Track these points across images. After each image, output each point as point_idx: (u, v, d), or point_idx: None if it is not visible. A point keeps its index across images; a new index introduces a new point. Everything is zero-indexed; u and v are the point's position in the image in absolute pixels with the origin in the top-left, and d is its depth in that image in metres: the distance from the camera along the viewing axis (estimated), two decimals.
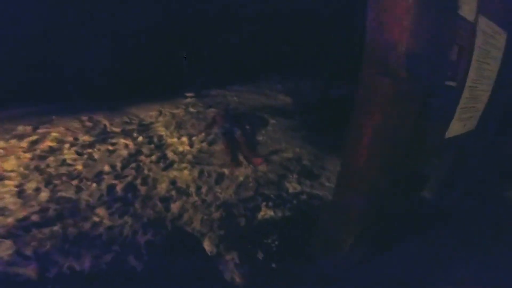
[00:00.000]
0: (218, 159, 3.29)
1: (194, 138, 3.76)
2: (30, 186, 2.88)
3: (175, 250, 2.22)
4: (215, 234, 2.29)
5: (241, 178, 2.92)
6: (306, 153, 3.49)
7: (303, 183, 2.92)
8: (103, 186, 2.85)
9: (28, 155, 3.43)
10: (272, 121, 4.46)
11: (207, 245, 2.19)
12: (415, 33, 0.89)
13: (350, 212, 1.45)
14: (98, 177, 3.00)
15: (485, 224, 2.32)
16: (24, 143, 3.71)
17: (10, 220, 2.42)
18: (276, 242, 2.24)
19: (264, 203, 2.61)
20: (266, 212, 2.53)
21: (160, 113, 4.77)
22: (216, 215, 2.48)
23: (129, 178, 2.94)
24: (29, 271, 1.92)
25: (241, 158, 3.26)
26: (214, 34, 8.60)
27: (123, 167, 3.15)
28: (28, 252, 2.11)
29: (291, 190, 2.81)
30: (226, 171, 3.03)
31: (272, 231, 2.34)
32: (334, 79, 7.15)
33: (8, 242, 2.16)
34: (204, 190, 2.76)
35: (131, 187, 2.83)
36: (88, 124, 4.32)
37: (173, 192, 2.73)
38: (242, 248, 2.18)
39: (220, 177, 2.95)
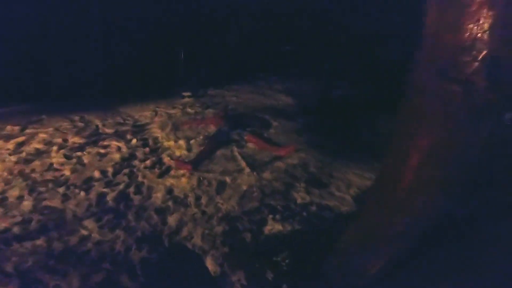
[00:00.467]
0: (219, 165, 3.07)
1: (192, 141, 3.52)
2: (12, 194, 2.66)
3: (174, 270, 2.01)
4: (218, 252, 2.08)
5: (244, 187, 2.69)
6: (312, 159, 3.28)
7: (312, 192, 2.71)
8: (93, 194, 2.61)
9: (13, 158, 3.18)
10: (275, 123, 4.24)
11: (210, 264, 1.99)
12: (498, 32, 0.69)
13: (385, 235, 1.24)
14: (87, 184, 2.76)
15: None
16: (10, 145, 3.46)
17: None
18: (287, 261, 2.03)
19: (270, 216, 2.39)
20: (273, 226, 2.31)
21: (156, 113, 4.52)
22: (219, 229, 2.26)
23: (121, 186, 2.71)
24: None
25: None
26: (212, 32, 8.40)
27: (115, 173, 2.91)
28: (9, 268, 1.93)
29: (299, 200, 2.60)
30: (227, 179, 2.80)
31: (281, 247, 2.13)
32: (335, 79, 6.99)
33: None
34: (204, 200, 2.53)
35: (123, 197, 2.60)
36: (79, 124, 4.06)
37: (170, 203, 2.50)
38: (249, 267, 1.97)
39: (222, 186, 2.72)
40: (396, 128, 1.08)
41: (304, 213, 2.47)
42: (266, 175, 2.91)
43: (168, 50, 8.02)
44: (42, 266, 1.95)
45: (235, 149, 3.37)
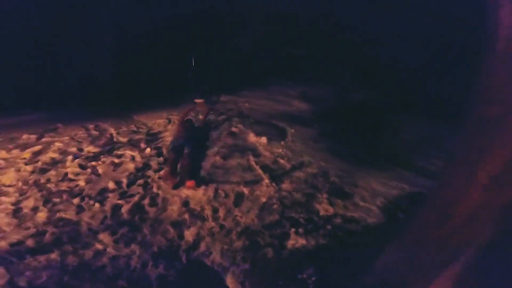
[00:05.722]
0: (235, 175, 2.95)
1: (206, 151, 3.42)
2: (27, 204, 2.63)
3: None
4: (239, 268, 1.95)
5: (263, 199, 2.56)
6: (332, 168, 3.12)
7: (335, 203, 2.55)
8: (108, 206, 2.54)
9: (29, 168, 3.17)
10: (291, 130, 4.11)
11: (230, 283, 1.86)
12: None
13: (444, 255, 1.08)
14: (102, 195, 2.70)
15: None
16: (27, 154, 3.46)
17: (3, 244, 2.19)
18: (313, 278, 1.87)
19: (293, 229, 2.25)
20: (296, 240, 2.17)
21: (169, 121, 4.47)
22: (238, 244, 2.14)
23: (136, 198, 2.62)
24: None
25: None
26: (223, 37, 8.39)
27: (130, 183, 2.84)
28: (22, 283, 1.89)
29: (322, 212, 2.45)
30: (245, 190, 2.67)
31: (306, 263, 1.98)
32: (351, 83, 6.80)
33: (0, 270, 1.94)
34: (221, 213, 2.41)
35: (138, 209, 2.51)
36: (94, 132, 4.04)
37: (186, 216, 2.39)
38: (273, 285, 1.83)
39: (239, 198, 2.60)
40: (459, 141, 0.93)
41: (329, 226, 2.32)
42: (286, 185, 2.77)
43: (180, 57, 8.06)
44: (56, 282, 1.89)
45: (251, 158, 3.25)
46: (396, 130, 4.09)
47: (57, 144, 3.66)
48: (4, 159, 3.43)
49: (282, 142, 3.71)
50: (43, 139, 3.91)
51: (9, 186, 2.91)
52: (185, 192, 2.69)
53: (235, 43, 8.42)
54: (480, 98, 1.04)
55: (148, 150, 3.46)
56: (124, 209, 2.50)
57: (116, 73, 6.48)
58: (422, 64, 5.97)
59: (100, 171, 3.07)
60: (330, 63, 8.05)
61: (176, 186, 2.78)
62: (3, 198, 2.71)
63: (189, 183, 2.80)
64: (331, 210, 2.47)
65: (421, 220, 1.33)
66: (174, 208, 2.49)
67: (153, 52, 7.31)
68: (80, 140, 3.78)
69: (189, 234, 2.22)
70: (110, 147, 3.57)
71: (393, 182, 2.95)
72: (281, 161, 3.25)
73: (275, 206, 2.48)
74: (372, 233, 2.27)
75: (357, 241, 2.18)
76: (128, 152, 3.39)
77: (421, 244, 1.24)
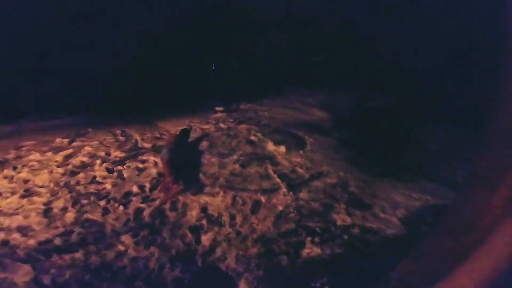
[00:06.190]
0: (253, 183, 2.98)
1: (225, 159, 3.49)
2: (57, 205, 2.78)
3: None
4: (252, 275, 1.96)
5: (280, 208, 2.57)
6: (352, 178, 3.07)
7: (353, 214, 2.51)
8: (131, 209, 2.65)
9: (61, 170, 3.38)
10: (310, 139, 4.10)
11: None
12: None
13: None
14: (126, 198, 2.83)
15: None
16: (59, 157, 3.69)
17: (32, 242, 2.32)
18: (326, 287, 1.85)
19: (308, 238, 2.23)
20: (312, 249, 2.15)
21: (190, 128, 4.60)
22: (253, 251, 2.15)
23: (157, 202, 2.72)
24: None
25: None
26: (243, 45, 8.56)
27: (152, 188, 2.95)
28: (46, 280, 1.98)
29: (339, 222, 2.41)
30: (262, 198, 2.70)
31: (320, 272, 1.96)
32: (372, 91, 6.66)
33: (26, 268, 2.06)
34: (238, 220, 2.45)
35: (159, 213, 2.61)
36: (121, 138, 4.25)
37: (204, 221, 2.45)
38: None
39: (256, 206, 2.63)
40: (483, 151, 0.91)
41: (345, 236, 2.28)
42: (303, 195, 2.76)
43: (201, 65, 8.32)
44: (78, 281, 1.97)
45: (269, 166, 3.27)
46: (419, 140, 3.95)
47: (87, 148, 3.89)
48: (38, 161, 3.69)
49: (301, 151, 3.71)
50: (74, 143, 4.16)
51: (42, 186, 3.11)
52: (204, 198, 2.76)
53: (255, 51, 8.55)
54: (505, 107, 1.01)
55: None
56: (146, 213, 2.60)
57: (141, 81, 6.84)
58: (445, 72, 5.77)
59: (125, 175, 3.23)
60: (350, 70, 7.95)
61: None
62: (36, 198, 2.90)
63: (174, 186, 2.84)
64: (348, 220, 2.43)
65: (441, 231, 1.29)
66: (193, 214, 2.56)
67: (175, 61, 7.62)
68: (107, 145, 3.99)
69: (206, 239, 2.27)
70: (135, 153, 3.74)
71: (415, 193, 2.85)
72: (300, 170, 3.25)
73: (292, 214, 2.48)
74: (390, 244, 2.21)
75: (374, 251, 2.12)
76: (152, 158, 3.53)
77: (440, 256, 1.20)
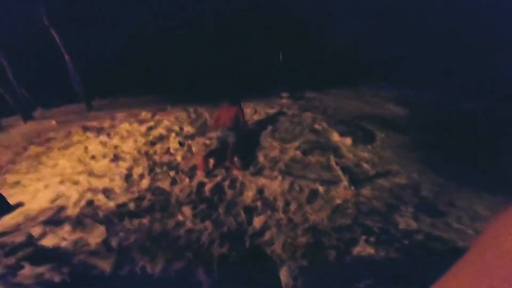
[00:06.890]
0: (313, 172, 2.90)
1: (287, 144, 3.46)
2: (137, 171, 3.14)
3: (248, 274, 1.95)
4: (296, 264, 1.91)
5: (338, 201, 2.44)
6: (427, 181, 2.70)
7: (421, 219, 2.22)
8: (194, 182, 2.87)
9: (143, 140, 3.86)
10: (381, 135, 3.73)
11: (283, 276, 1.82)
12: None
13: None
14: (192, 172, 3.07)
15: None
16: (143, 128, 4.22)
17: (111, 204, 2.61)
18: None
19: (363, 237, 2.06)
20: (364, 248, 1.98)
21: (255, 111, 4.70)
22: (302, 240, 2.10)
23: (218, 178, 2.89)
24: (105, 264, 1.93)
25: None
26: (315, 33, 8.23)
27: (215, 164, 3.14)
28: (114, 243, 2.13)
29: (402, 226, 2.17)
30: (321, 188, 2.60)
31: (367, 273, 1.80)
32: (460, 91, 5.70)
33: (101, 229, 2.26)
34: (293, 207, 2.42)
35: (218, 189, 2.76)
36: (193, 115, 4.62)
37: (259, 203, 2.50)
38: (325, 287, 1.74)
39: (313, 195, 2.55)
40: None
41: (405, 241, 2.02)
42: (366, 191, 2.56)
43: (270, 52, 8.35)
44: (139, 246, 2.09)
45: (332, 157, 3.12)
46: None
47: (165, 122, 4.35)
48: (127, 130, 4.29)
49: (369, 146, 3.42)
50: (156, 117, 4.71)
51: (128, 153, 3.60)
52: (262, 180, 2.80)
53: (327, 39, 8.15)
54: None
55: None
56: (207, 187, 2.77)
57: (214, 66, 7.37)
58: None
59: (194, 149, 3.51)
60: (435, 66, 6.90)
61: (208, 172, 3.01)
62: (122, 163, 3.34)
63: (234, 167, 3.02)
64: (414, 225, 2.15)
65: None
66: (249, 194, 2.64)
67: (245, 47, 7.85)
68: (182, 120, 4.40)
69: (257, 222, 2.30)
70: (203, 130, 4.03)
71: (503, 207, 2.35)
72: (365, 165, 3.01)
73: (350, 210, 2.32)
74: (459, 258, 1.88)
75: (436, 262, 1.84)
76: None
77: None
